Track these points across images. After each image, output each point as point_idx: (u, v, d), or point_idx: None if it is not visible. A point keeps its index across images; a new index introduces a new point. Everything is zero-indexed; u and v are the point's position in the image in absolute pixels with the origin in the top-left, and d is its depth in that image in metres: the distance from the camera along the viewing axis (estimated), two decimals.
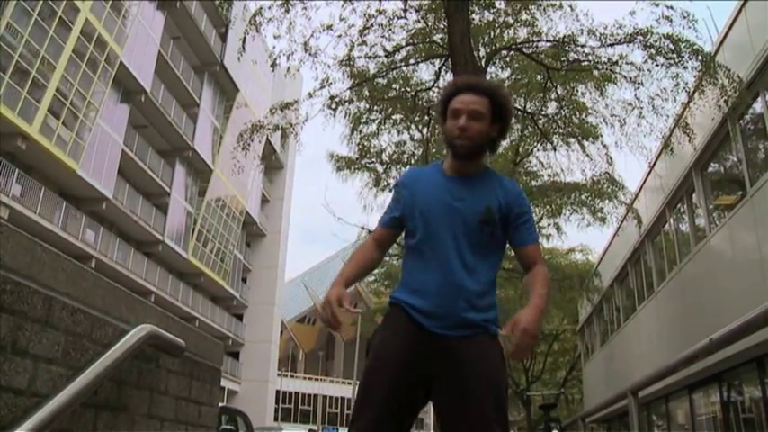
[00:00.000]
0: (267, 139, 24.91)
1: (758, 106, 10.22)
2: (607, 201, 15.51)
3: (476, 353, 2.17)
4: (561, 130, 14.20)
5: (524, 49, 12.46)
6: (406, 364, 2.17)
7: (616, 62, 11.78)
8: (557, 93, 12.91)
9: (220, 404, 13.75)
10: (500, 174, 2.46)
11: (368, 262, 2.46)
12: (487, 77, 12.19)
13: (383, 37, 12.36)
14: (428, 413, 51.21)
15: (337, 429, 48.56)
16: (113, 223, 29.23)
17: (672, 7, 11.03)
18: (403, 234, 2.45)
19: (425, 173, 2.46)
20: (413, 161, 15.89)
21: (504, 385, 2.21)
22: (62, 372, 2.08)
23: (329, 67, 12.49)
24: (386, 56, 12.57)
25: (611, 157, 14.47)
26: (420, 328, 2.21)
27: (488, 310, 2.25)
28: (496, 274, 2.34)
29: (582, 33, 11.79)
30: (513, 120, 15.76)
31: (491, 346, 2.20)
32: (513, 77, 14.18)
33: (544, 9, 12.60)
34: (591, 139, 14.18)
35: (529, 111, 14.03)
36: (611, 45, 11.56)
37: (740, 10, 10.82)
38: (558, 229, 18.44)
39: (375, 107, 13.67)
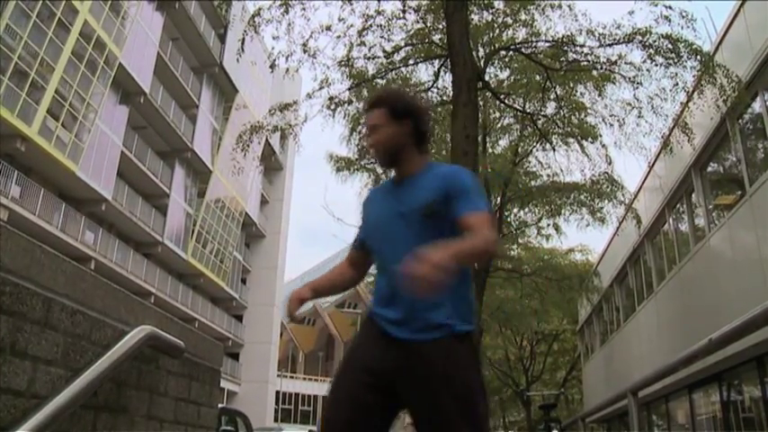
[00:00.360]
0: (266, 140, 24.93)
1: (757, 106, 10.23)
2: (606, 201, 15.52)
3: (441, 358, 2.16)
4: (560, 131, 14.20)
5: (523, 50, 12.46)
6: (370, 371, 2.21)
7: (615, 62, 11.79)
8: (556, 93, 12.91)
9: (220, 405, 13.75)
10: (442, 164, 2.48)
11: (338, 277, 2.59)
12: (486, 78, 12.19)
13: (382, 37, 12.36)
14: None
15: None
16: (113, 224, 29.22)
17: (670, 7, 11.03)
18: None
19: (379, 189, 2.55)
20: None
21: (475, 386, 2.18)
22: (61, 373, 2.08)
23: (328, 67, 12.49)
24: (385, 56, 12.57)
25: (610, 157, 14.50)
26: (385, 334, 2.24)
27: (452, 306, 2.22)
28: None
29: (581, 33, 11.79)
30: (513, 120, 15.81)
31: (457, 348, 2.19)
32: (512, 78, 14.18)
33: (543, 9, 12.61)
34: (590, 139, 14.18)
35: (528, 111, 14.03)
36: (610, 45, 11.56)
37: (739, 10, 10.83)
38: (557, 229, 18.45)
39: None
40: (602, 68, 12.08)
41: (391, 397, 2.20)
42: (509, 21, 13.10)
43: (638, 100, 12.22)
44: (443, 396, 2.11)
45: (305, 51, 11.85)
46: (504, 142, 17.27)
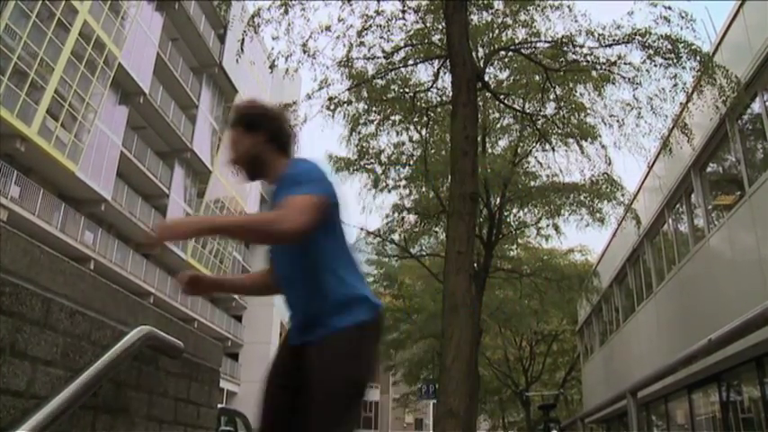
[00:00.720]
0: None
1: (756, 106, 10.23)
2: (606, 201, 15.52)
3: (313, 357, 2.21)
4: (560, 131, 14.22)
5: (523, 50, 12.47)
6: (277, 376, 2.41)
7: (614, 62, 11.80)
8: (555, 93, 12.92)
9: (220, 405, 13.74)
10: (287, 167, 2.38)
11: (248, 280, 2.84)
12: (486, 78, 12.20)
13: (382, 38, 12.37)
14: (427, 414, 51.17)
15: None
16: (112, 225, 29.21)
17: (670, 8, 11.05)
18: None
19: None
20: (411, 162, 15.90)
21: (341, 379, 2.17)
22: (61, 374, 2.08)
23: (328, 68, 12.51)
24: (384, 57, 12.58)
25: (609, 158, 14.52)
26: (287, 342, 2.41)
27: (324, 302, 2.23)
28: (326, 264, 2.25)
29: (580, 34, 11.82)
30: (512, 120, 15.82)
31: (330, 343, 2.19)
32: (512, 78, 14.21)
33: (542, 9, 12.62)
34: (589, 139, 14.20)
35: (527, 111, 14.04)
36: (610, 45, 11.58)
37: (738, 10, 10.83)
38: (556, 229, 18.46)
39: (374, 108, 13.68)
40: (601, 69, 12.09)
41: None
42: (508, 21, 13.13)
43: (637, 100, 12.25)
44: (310, 400, 2.16)
45: (304, 52, 11.86)
46: (503, 142, 17.31)
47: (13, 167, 21.69)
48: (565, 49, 11.92)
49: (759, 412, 9.97)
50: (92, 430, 2.26)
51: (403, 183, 16.70)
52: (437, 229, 17.45)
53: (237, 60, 12.91)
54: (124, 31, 27.03)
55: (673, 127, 12.08)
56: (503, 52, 13.23)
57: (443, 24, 11.17)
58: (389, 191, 16.83)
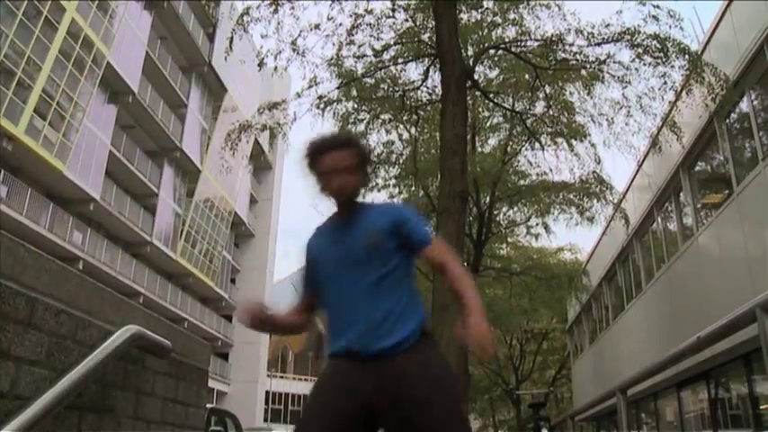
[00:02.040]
0: (255, 139, 24.86)
1: (744, 105, 10.28)
2: (595, 200, 15.56)
3: (418, 364, 2.24)
4: (549, 130, 14.23)
5: (512, 49, 12.48)
6: (344, 404, 2.22)
7: (604, 61, 11.82)
8: (545, 92, 12.94)
9: (210, 405, 13.69)
10: (375, 203, 2.67)
11: (292, 322, 2.59)
12: (476, 77, 12.20)
13: (371, 36, 12.34)
14: None
15: None
16: (101, 224, 29.05)
17: (658, 6, 11.08)
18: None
19: (320, 230, 2.58)
20: (401, 161, 15.88)
21: (453, 383, 2.35)
22: (46, 374, 2.05)
23: (317, 66, 12.46)
24: (374, 55, 12.55)
25: (599, 156, 14.54)
26: (357, 360, 2.26)
27: (405, 328, 2.30)
28: (407, 294, 2.40)
29: (569, 32, 11.82)
30: (502, 119, 15.84)
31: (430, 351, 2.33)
32: (502, 77, 14.21)
33: (532, 8, 12.63)
34: (579, 138, 14.22)
35: (517, 110, 14.06)
36: (599, 44, 11.60)
37: (725, 10, 10.88)
38: (546, 228, 18.51)
39: (363, 107, 13.65)
40: (590, 67, 12.11)
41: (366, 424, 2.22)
42: (498, 20, 13.13)
43: (626, 99, 12.28)
44: (433, 405, 2.15)
45: (294, 50, 11.82)
46: (493, 141, 17.31)
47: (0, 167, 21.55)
48: (554, 47, 11.94)
49: (747, 409, 10.03)
50: (77, 431, 2.24)
51: (393, 182, 16.68)
52: (427, 227, 17.43)
53: (226, 58, 12.85)
54: (112, 30, 26.89)
55: (662, 125, 12.12)
56: (492, 51, 13.24)
57: (433, 23, 11.16)
58: (379, 190, 16.81)
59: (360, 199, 2.51)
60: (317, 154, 2.45)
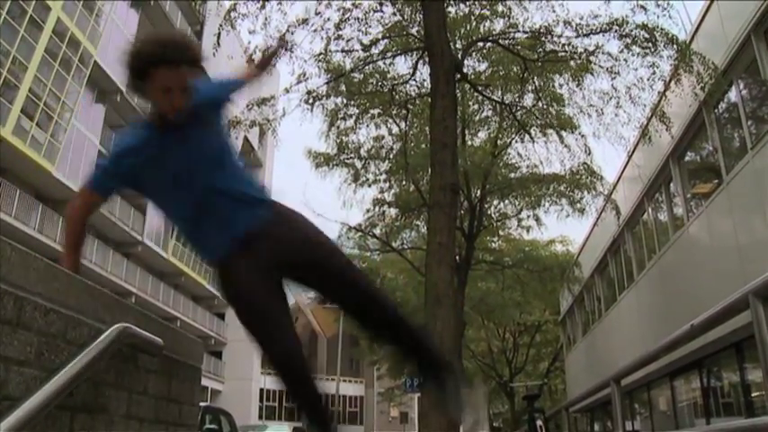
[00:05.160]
0: (245, 135, 24.78)
1: (732, 95, 10.31)
2: (586, 191, 15.60)
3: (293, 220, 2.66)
4: (539, 122, 14.25)
5: (501, 41, 12.48)
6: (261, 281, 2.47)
7: (592, 52, 11.84)
8: (534, 84, 12.96)
9: (204, 404, 13.67)
10: None
11: (82, 228, 2.89)
12: (465, 70, 12.18)
13: (359, 31, 12.33)
14: (412, 408, 51.22)
15: None
16: (91, 225, 28.84)
17: None
18: None
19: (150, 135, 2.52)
20: (391, 155, 15.88)
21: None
22: (36, 374, 2.03)
23: (305, 61, 12.45)
24: (362, 49, 12.54)
25: (589, 148, 14.57)
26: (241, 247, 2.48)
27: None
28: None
29: (558, 24, 11.84)
30: (491, 112, 15.84)
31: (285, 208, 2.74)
32: (491, 69, 14.21)
33: (520, 0, 12.63)
34: (569, 129, 14.24)
35: (506, 102, 14.06)
36: (587, 35, 11.62)
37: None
38: (537, 220, 18.56)
39: (352, 102, 13.64)
40: (579, 59, 12.13)
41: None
42: (486, 12, 13.13)
43: (615, 90, 12.31)
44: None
45: (282, 45, 11.78)
46: (483, 134, 17.33)
47: None
48: (543, 39, 11.95)
49: (738, 397, 10.09)
50: (69, 431, 2.22)
51: (383, 177, 16.69)
52: (418, 222, 17.48)
53: (214, 54, 12.78)
54: (99, 29, 26.71)
55: (651, 116, 12.14)
56: (481, 43, 13.23)
57: (421, 16, 11.15)
58: (370, 185, 16.83)
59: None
60: (151, 66, 2.14)
